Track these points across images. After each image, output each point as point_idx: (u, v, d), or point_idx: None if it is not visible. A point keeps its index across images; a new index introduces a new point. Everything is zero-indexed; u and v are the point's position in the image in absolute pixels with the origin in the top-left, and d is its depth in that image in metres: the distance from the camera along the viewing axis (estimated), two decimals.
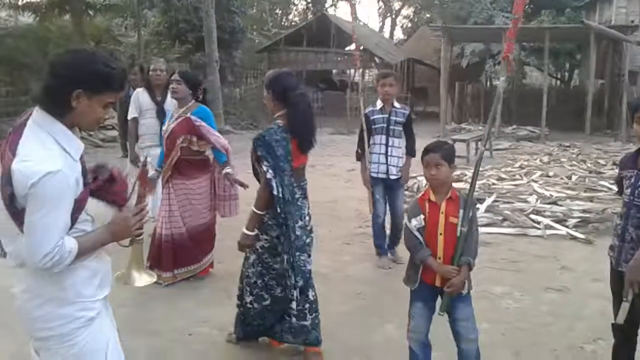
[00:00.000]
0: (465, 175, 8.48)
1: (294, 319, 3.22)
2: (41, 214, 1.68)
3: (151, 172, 4.45)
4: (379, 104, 4.98)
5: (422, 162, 2.83)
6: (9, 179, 1.68)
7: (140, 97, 5.46)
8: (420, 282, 2.83)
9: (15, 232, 1.76)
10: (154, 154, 5.33)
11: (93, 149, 11.71)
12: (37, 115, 1.79)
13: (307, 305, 3.23)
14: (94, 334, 1.92)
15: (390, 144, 4.94)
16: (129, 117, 5.55)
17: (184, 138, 4.30)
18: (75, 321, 1.87)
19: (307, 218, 3.29)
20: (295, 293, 3.15)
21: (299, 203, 3.19)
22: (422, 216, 2.78)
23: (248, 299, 3.31)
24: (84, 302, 1.89)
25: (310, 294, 3.29)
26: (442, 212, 2.76)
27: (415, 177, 8.22)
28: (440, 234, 2.76)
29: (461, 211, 2.72)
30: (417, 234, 2.78)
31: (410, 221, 2.81)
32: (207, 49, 16.17)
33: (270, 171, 3.01)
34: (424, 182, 7.97)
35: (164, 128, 4.55)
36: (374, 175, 5.02)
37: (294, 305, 3.18)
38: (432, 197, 2.80)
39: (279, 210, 3.04)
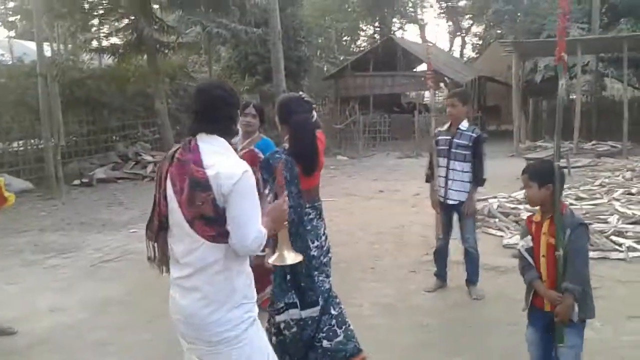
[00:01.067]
0: None
1: (325, 342, 3.14)
2: (245, 205, 2.04)
3: None
4: (447, 124, 4.84)
5: None
6: (206, 185, 2.01)
7: None
8: (531, 306, 2.80)
9: (192, 245, 2.08)
10: None
11: None
12: (208, 138, 2.14)
13: (333, 322, 3.18)
14: (258, 332, 2.21)
15: (451, 167, 4.73)
16: None
17: None
18: (243, 323, 2.12)
19: (323, 237, 3.31)
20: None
21: (314, 223, 3.23)
22: (529, 237, 2.77)
23: (280, 325, 3.26)
24: (248, 304, 2.16)
25: (334, 310, 3.23)
26: (544, 233, 2.71)
27: (485, 200, 7.92)
28: (543, 255, 2.71)
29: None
30: (525, 254, 2.77)
31: (520, 241, 2.86)
32: (275, 79, 16.50)
33: (271, 195, 3.10)
34: (495, 205, 7.69)
35: None
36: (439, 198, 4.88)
37: (320, 325, 3.14)
38: (537, 218, 2.78)
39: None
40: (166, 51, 15.20)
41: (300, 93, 3.43)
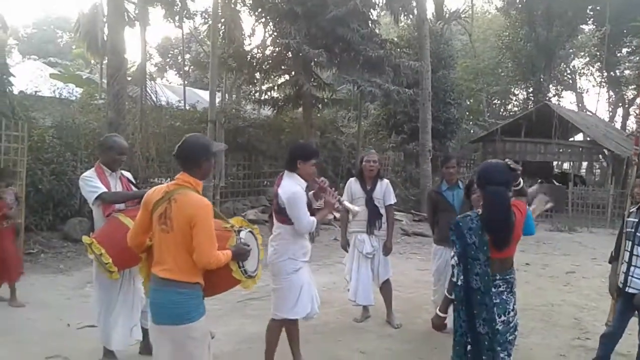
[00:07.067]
0: None
1: None
2: (296, 211, 4.03)
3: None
4: (637, 205, 4.45)
5: None
6: (279, 197, 4.09)
7: (352, 185, 5.85)
8: None
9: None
10: (360, 240, 5.69)
11: None
12: (287, 173, 4.20)
13: None
14: (299, 276, 4.20)
15: (635, 252, 4.26)
16: None
17: None
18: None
19: (511, 313, 3.11)
20: None
21: (503, 297, 3.06)
22: None
23: None
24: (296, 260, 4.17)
25: None
26: None
27: None
28: None
29: None
30: None
31: None
32: (421, 138, 16.71)
33: (455, 258, 3.05)
34: None
35: None
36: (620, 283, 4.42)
37: None
38: None
39: (452, 296, 3.08)
40: (320, 106, 16.03)
41: (507, 160, 3.15)
